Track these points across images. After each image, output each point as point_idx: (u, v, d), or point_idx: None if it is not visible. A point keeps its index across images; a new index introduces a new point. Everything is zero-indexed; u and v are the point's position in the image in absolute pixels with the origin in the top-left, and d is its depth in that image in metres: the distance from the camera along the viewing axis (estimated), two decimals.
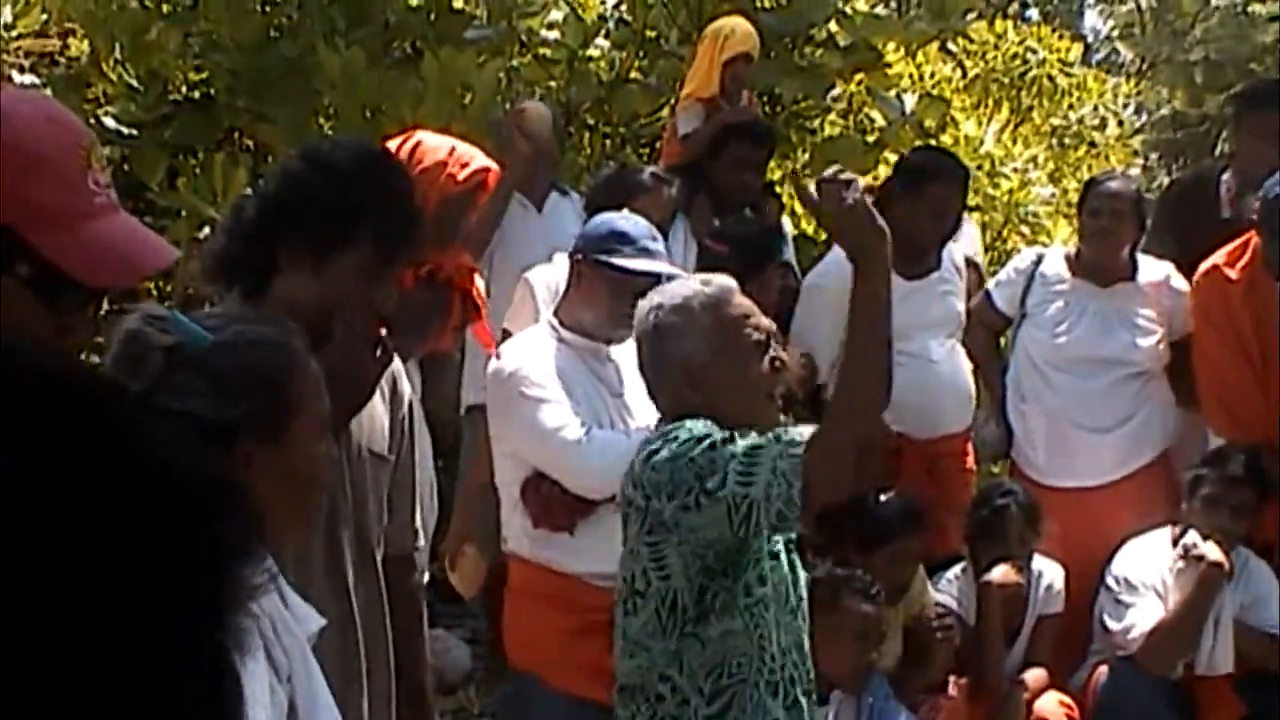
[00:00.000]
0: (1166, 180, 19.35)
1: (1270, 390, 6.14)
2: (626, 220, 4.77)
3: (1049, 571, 6.08)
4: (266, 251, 3.30)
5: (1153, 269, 6.46)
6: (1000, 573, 5.87)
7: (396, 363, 3.64)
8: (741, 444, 3.38)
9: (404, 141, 4.57)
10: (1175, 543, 5.91)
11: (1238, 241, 6.22)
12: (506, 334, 5.32)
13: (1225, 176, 6.77)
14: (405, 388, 3.66)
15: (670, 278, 4.92)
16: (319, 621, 2.53)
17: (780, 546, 3.63)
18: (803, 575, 3.74)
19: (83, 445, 0.94)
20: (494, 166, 4.64)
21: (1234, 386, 6.19)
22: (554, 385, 4.61)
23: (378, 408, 3.52)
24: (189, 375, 2.37)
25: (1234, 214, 6.58)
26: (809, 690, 3.66)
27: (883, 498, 5.73)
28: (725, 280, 3.73)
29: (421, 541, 3.80)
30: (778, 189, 9.55)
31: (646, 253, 4.64)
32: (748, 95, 7.11)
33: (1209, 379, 6.24)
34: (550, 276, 5.44)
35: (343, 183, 3.31)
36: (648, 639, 3.55)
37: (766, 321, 3.67)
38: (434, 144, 4.60)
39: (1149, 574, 5.91)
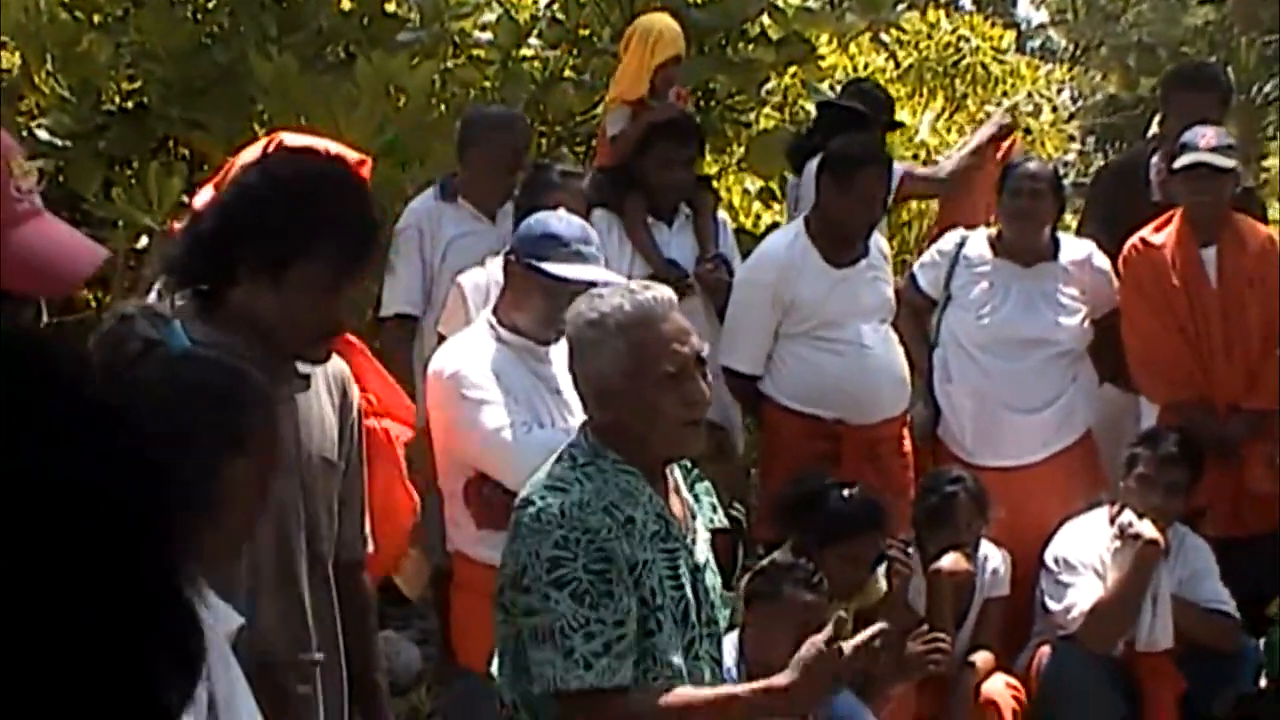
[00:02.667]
0: (1103, 163, 19.55)
1: (1203, 351, 6.26)
2: (560, 221, 4.79)
3: (994, 556, 6.14)
4: (224, 262, 3.32)
5: (1074, 248, 6.57)
6: (950, 560, 5.91)
7: (345, 369, 3.68)
8: (562, 607, 3.27)
9: (266, 144, 4.50)
10: (1112, 522, 5.98)
11: (1164, 216, 6.36)
12: (442, 338, 5.35)
13: (1154, 159, 6.87)
14: (354, 394, 3.67)
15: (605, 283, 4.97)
16: (237, 620, 2.57)
17: (683, 571, 3.45)
18: (715, 595, 3.57)
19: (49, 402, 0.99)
20: (357, 157, 4.49)
21: (1164, 350, 6.33)
22: (492, 386, 4.64)
23: (328, 414, 3.55)
24: (153, 373, 2.42)
25: (1163, 196, 6.68)
26: None
27: (845, 494, 5.73)
28: (655, 295, 3.47)
29: (370, 547, 3.82)
30: (715, 183, 9.60)
31: (579, 256, 4.66)
32: (676, 91, 7.12)
33: (1139, 346, 6.37)
34: (480, 278, 5.48)
35: (299, 195, 3.33)
36: (504, 666, 3.49)
37: (692, 347, 3.44)
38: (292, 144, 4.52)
39: (1087, 554, 5.98)
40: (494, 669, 3.56)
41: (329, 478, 3.54)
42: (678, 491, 3.56)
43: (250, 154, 4.43)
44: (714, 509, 3.67)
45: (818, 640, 3.37)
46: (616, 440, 3.42)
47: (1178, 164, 6.24)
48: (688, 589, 3.43)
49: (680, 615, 3.41)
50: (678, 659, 3.41)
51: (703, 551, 3.53)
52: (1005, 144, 7.52)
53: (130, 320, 2.47)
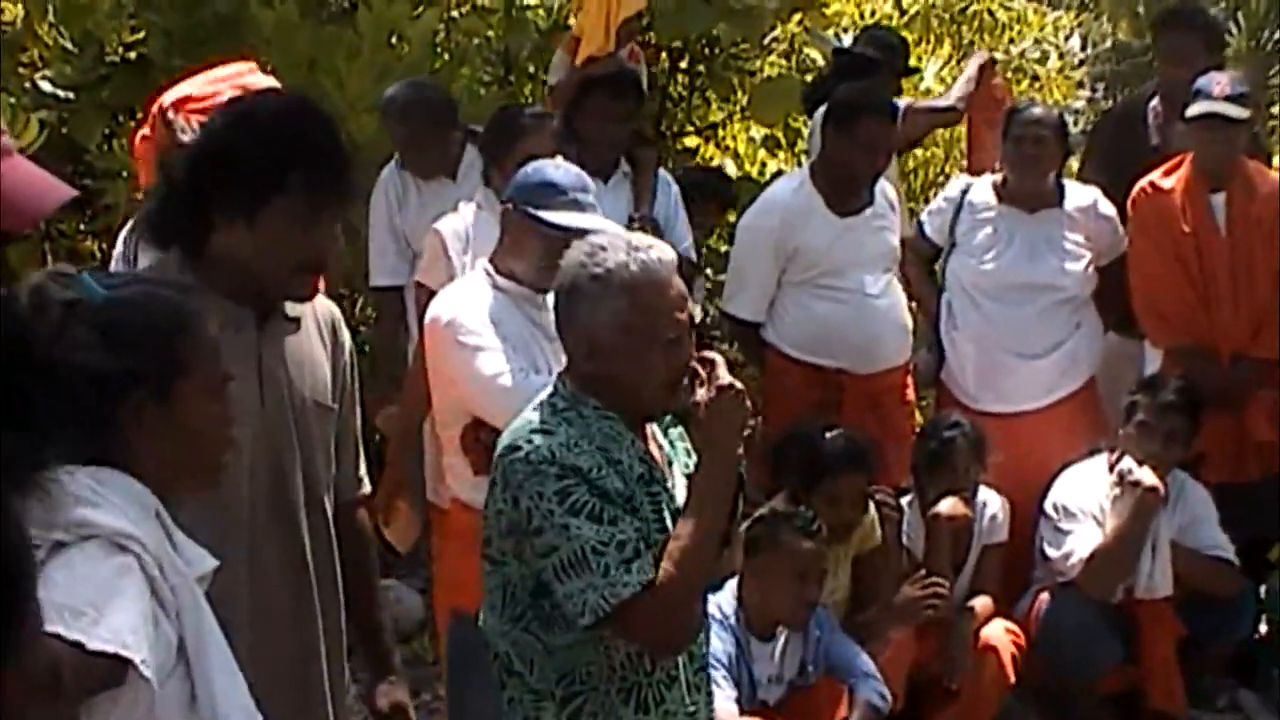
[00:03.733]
0: None
1: (1209, 298, 6.24)
2: (557, 169, 4.77)
3: (993, 502, 6.15)
4: (200, 211, 3.35)
5: (1079, 194, 6.55)
6: (949, 505, 5.93)
7: (335, 310, 3.70)
8: (584, 531, 3.25)
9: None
10: (1112, 469, 5.99)
11: (1175, 159, 6.34)
12: (422, 288, 5.36)
13: (1153, 104, 6.84)
14: (345, 336, 3.70)
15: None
16: (210, 562, 2.59)
17: (666, 514, 3.43)
18: None
19: None
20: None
21: (1169, 293, 6.31)
22: (489, 332, 4.65)
23: (319, 357, 3.58)
24: (82, 329, 2.45)
25: (1161, 141, 6.66)
26: (670, 679, 3.48)
27: (827, 435, 5.78)
28: (660, 256, 3.43)
29: (368, 488, 3.85)
30: (720, 131, 9.59)
31: (576, 204, 4.65)
32: (631, 49, 7.00)
33: (1145, 289, 6.36)
34: (458, 225, 5.49)
35: (265, 134, 3.36)
36: (494, 618, 3.48)
37: (688, 312, 3.45)
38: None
39: (1086, 501, 5.98)
40: (481, 622, 3.56)
41: (324, 420, 3.57)
42: (654, 438, 3.56)
43: (175, 94, 4.44)
44: (689, 454, 3.68)
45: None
46: (599, 391, 3.41)
47: (1190, 112, 6.18)
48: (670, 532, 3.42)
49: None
50: None
51: (681, 495, 3.50)
52: (992, 82, 7.45)
53: (42, 289, 2.50)
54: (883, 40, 7.81)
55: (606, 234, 3.73)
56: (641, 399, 3.44)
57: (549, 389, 3.50)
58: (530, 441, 3.33)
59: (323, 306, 3.65)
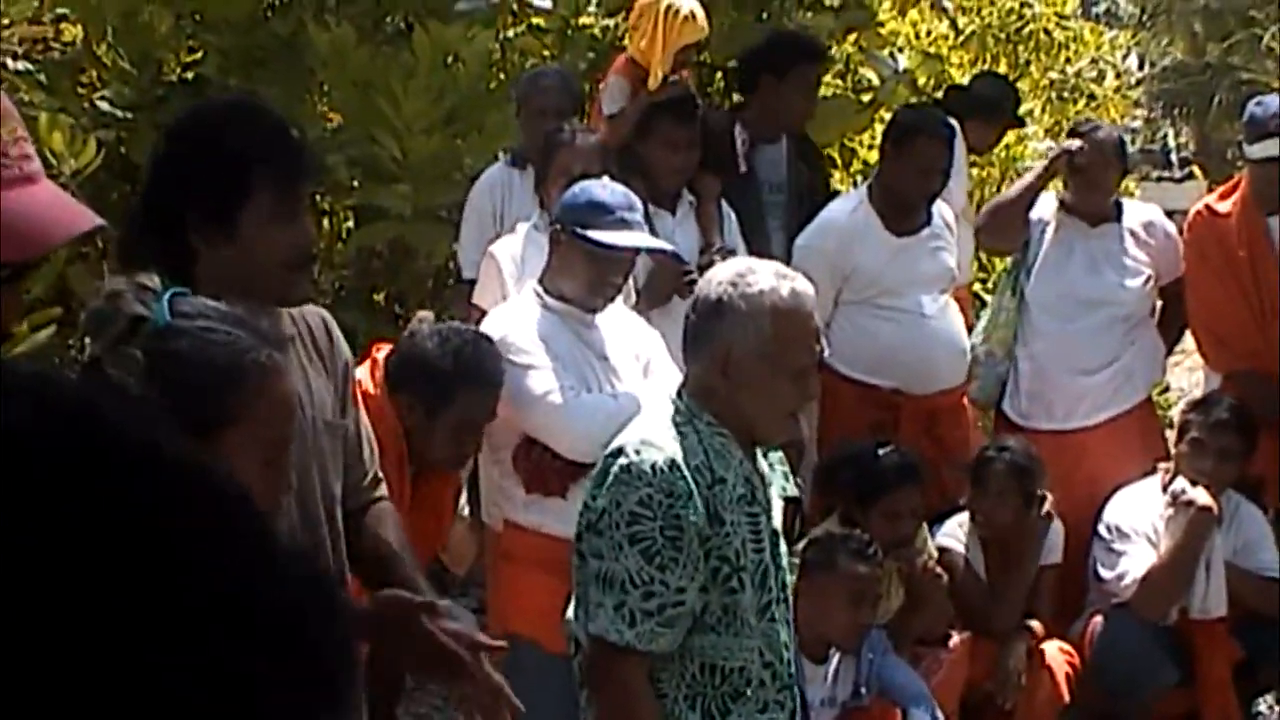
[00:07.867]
0: (1170, 130, 19.43)
1: (1266, 321, 6.20)
2: (604, 189, 4.79)
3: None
4: (177, 242, 3.10)
5: (1139, 211, 6.52)
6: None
7: (326, 315, 3.52)
8: (630, 561, 3.37)
9: None
10: (1165, 489, 5.96)
11: (1231, 181, 6.31)
12: (476, 309, 5.36)
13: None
14: (341, 342, 3.50)
15: (655, 250, 5.00)
16: None
17: (764, 535, 3.52)
18: (785, 561, 3.65)
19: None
20: None
21: (1227, 317, 6.25)
22: (539, 351, 4.67)
23: (320, 374, 3.39)
24: (134, 350, 2.40)
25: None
26: (736, 694, 3.53)
27: (880, 452, 5.77)
28: (807, 289, 3.53)
29: (384, 489, 3.61)
30: None
31: (624, 223, 4.66)
32: (683, 73, 6.89)
33: (1201, 311, 6.32)
34: (514, 248, 5.48)
35: (216, 142, 3.16)
36: (579, 611, 3.56)
37: (820, 347, 3.57)
38: None
39: (1140, 521, 5.95)
40: (569, 613, 3.64)
41: (335, 438, 3.38)
42: (755, 460, 3.62)
43: None
44: (786, 478, 3.73)
45: None
46: (718, 409, 3.48)
47: (1251, 152, 6.14)
48: (766, 553, 3.51)
49: (759, 578, 3.50)
50: (754, 620, 3.49)
51: (777, 518, 3.61)
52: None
53: (118, 297, 2.43)
54: (999, 88, 7.85)
55: (750, 259, 3.88)
56: (759, 425, 3.52)
57: (666, 400, 3.57)
58: (638, 452, 3.41)
59: (312, 314, 3.46)
